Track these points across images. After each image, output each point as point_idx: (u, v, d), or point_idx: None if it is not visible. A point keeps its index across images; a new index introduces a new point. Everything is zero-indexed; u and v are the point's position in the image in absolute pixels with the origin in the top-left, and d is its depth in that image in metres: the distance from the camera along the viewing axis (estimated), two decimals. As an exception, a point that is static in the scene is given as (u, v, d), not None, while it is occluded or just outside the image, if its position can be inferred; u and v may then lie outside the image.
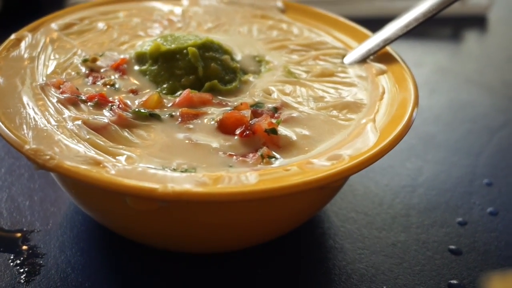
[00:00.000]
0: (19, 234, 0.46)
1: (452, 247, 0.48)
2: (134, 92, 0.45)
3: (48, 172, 0.47)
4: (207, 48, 0.48)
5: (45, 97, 0.43)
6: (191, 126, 0.42)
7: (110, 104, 0.43)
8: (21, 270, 0.43)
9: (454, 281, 0.45)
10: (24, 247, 0.45)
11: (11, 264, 0.44)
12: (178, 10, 0.57)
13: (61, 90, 0.44)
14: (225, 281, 0.44)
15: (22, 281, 0.43)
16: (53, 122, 0.41)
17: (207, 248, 0.45)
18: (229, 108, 0.44)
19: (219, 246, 0.45)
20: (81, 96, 0.44)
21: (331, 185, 0.40)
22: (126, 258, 0.45)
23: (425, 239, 0.48)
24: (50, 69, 0.47)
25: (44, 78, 0.45)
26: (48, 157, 0.37)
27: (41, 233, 0.47)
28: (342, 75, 0.49)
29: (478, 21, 0.86)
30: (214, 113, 0.43)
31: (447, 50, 0.80)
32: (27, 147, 0.38)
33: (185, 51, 0.47)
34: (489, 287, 0.20)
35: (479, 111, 0.66)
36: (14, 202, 0.49)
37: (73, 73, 0.47)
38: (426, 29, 0.79)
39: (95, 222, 0.47)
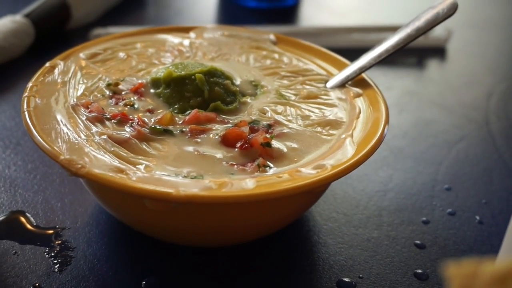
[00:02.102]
0: (52, 231, 0.47)
1: (417, 242, 0.48)
2: (150, 111, 0.46)
3: (77, 178, 0.48)
4: (212, 74, 0.48)
5: (76, 116, 0.44)
6: (198, 140, 0.43)
7: (130, 121, 0.44)
8: (55, 261, 0.44)
9: (419, 270, 0.45)
10: (57, 242, 0.46)
11: (46, 256, 0.44)
12: (186, 42, 0.58)
13: (89, 109, 0.45)
14: (228, 270, 0.44)
15: (56, 270, 0.43)
16: (83, 137, 0.41)
17: (212, 242, 0.46)
18: (230, 125, 0.45)
19: (222, 241, 0.46)
20: (106, 114, 0.45)
21: (316, 190, 0.41)
22: (143, 250, 0.46)
23: (395, 235, 0.49)
24: (80, 92, 0.47)
25: (75, 99, 0.46)
26: (79, 165, 0.38)
27: (71, 230, 0.47)
28: (325, 97, 0.50)
29: (438, 52, 0.86)
30: (218, 129, 0.44)
31: (412, 76, 0.81)
32: (62, 157, 0.38)
33: (193, 77, 0.47)
34: (448, 273, 0.20)
35: (440, 127, 0.67)
36: (48, 204, 0.50)
37: (98, 95, 0.48)
38: (395, 58, 0.80)
39: (117, 220, 0.48)
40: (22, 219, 0.48)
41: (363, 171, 0.56)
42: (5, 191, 0.51)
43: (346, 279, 0.44)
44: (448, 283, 0.21)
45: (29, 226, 0.47)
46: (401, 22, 0.82)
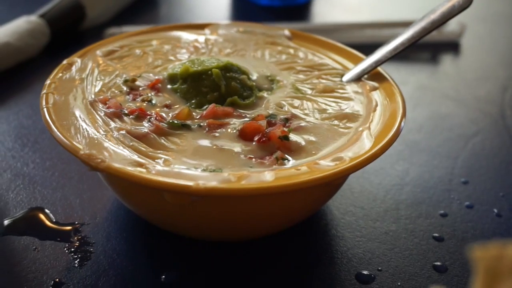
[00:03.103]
0: (71, 227, 0.47)
1: (436, 234, 0.48)
2: (168, 106, 0.46)
3: (95, 175, 0.48)
4: (228, 70, 0.48)
5: (94, 111, 0.44)
6: (216, 134, 0.43)
7: (148, 116, 0.44)
8: (75, 257, 0.44)
9: (438, 263, 0.45)
10: (77, 238, 0.46)
11: (66, 251, 0.45)
12: (201, 38, 0.58)
13: (107, 105, 0.45)
14: (246, 264, 0.44)
15: (76, 265, 0.43)
16: (101, 132, 0.41)
17: (230, 236, 0.46)
18: (247, 119, 0.45)
19: (241, 235, 0.46)
20: (124, 110, 0.45)
21: (334, 182, 0.41)
22: (162, 245, 0.46)
23: (413, 228, 0.49)
24: (97, 88, 0.48)
25: (93, 96, 0.46)
26: (99, 160, 0.38)
27: (90, 226, 0.47)
28: (341, 91, 0.50)
29: (452, 46, 0.86)
30: (235, 123, 0.44)
31: (426, 71, 0.80)
32: (81, 152, 0.38)
33: (210, 72, 0.47)
34: (474, 255, 0.20)
35: (455, 121, 0.66)
36: (67, 200, 0.50)
37: (116, 91, 0.48)
38: (409, 53, 0.80)
39: (135, 215, 0.48)
40: (42, 215, 0.48)
41: (380, 165, 0.56)
42: (24, 188, 0.51)
43: (365, 272, 0.44)
44: (474, 265, 0.20)
45: (48, 222, 0.48)
46: (414, 17, 0.82)
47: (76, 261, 0.44)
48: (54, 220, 0.48)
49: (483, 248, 0.20)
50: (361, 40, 0.81)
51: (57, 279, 0.42)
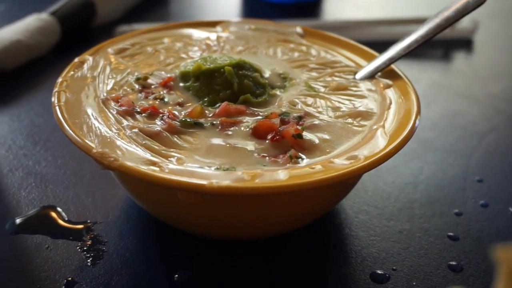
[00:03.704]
0: (84, 226, 0.47)
1: (450, 234, 0.48)
2: (180, 104, 0.46)
3: (107, 173, 0.48)
4: (241, 67, 0.48)
5: (106, 110, 0.44)
6: (229, 132, 0.43)
7: (161, 115, 0.44)
8: (88, 255, 0.44)
9: (453, 262, 0.45)
10: (89, 236, 0.46)
11: (79, 250, 0.44)
12: (213, 36, 0.58)
13: (119, 103, 0.45)
14: (260, 263, 0.44)
15: (89, 264, 0.43)
16: (114, 130, 0.41)
17: (243, 235, 0.45)
18: (260, 117, 0.44)
19: (254, 234, 0.45)
20: (136, 108, 0.44)
21: (349, 181, 0.40)
22: (175, 243, 0.46)
23: (427, 227, 0.48)
24: (109, 86, 0.47)
25: (105, 94, 0.46)
26: (112, 159, 0.38)
27: (102, 225, 0.47)
28: (354, 89, 0.49)
29: (465, 43, 0.86)
30: (248, 122, 0.44)
31: (439, 68, 0.80)
32: (94, 150, 0.38)
33: (222, 70, 0.47)
34: (496, 256, 0.20)
35: (469, 119, 0.66)
36: (79, 198, 0.50)
37: (128, 89, 0.48)
38: (421, 51, 0.79)
39: (148, 214, 0.48)
40: (54, 214, 0.48)
41: (393, 163, 0.56)
42: (36, 186, 0.51)
43: (380, 271, 0.44)
44: (496, 266, 0.20)
45: (60, 221, 0.47)
46: (425, 14, 0.81)
47: (88, 260, 0.44)
48: (66, 219, 0.48)
49: (506, 249, 0.20)
50: (373, 37, 0.80)
51: (70, 278, 0.42)
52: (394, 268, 0.44)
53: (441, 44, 0.84)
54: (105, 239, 0.46)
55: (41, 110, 0.63)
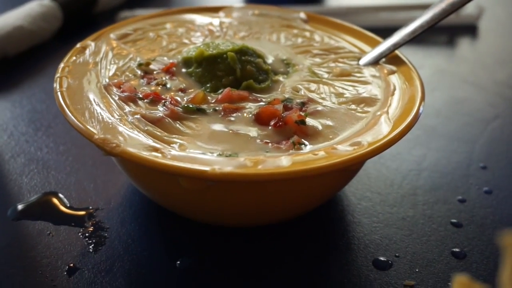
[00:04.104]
0: (86, 212, 0.47)
1: (454, 220, 0.48)
2: (183, 90, 0.46)
3: (109, 159, 0.48)
4: (243, 53, 0.48)
5: (108, 96, 0.44)
6: (232, 118, 0.42)
7: (163, 101, 0.44)
8: (90, 241, 0.44)
9: (456, 249, 0.45)
10: (91, 223, 0.46)
11: (81, 236, 0.44)
12: (216, 21, 0.57)
13: (121, 89, 0.44)
14: (262, 249, 0.44)
15: (91, 250, 0.43)
16: (116, 116, 0.41)
17: (246, 222, 0.45)
18: (263, 103, 0.44)
19: (257, 220, 0.45)
20: (138, 94, 0.44)
21: (352, 167, 0.40)
22: (177, 230, 0.45)
23: (430, 214, 0.48)
24: (111, 72, 0.47)
25: (107, 80, 0.46)
26: (114, 144, 0.37)
27: (104, 211, 0.47)
28: (358, 75, 0.49)
29: (470, 29, 0.85)
30: (251, 108, 0.43)
31: (444, 54, 0.80)
32: (96, 136, 0.38)
33: (225, 55, 0.47)
34: (503, 242, 0.20)
35: (473, 106, 0.66)
36: (81, 185, 0.50)
37: (130, 75, 0.47)
38: (425, 37, 0.79)
39: (150, 200, 0.48)
40: (56, 200, 0.48)
41: (397, 150, 0.55)
42: (38, 172, 0.51)
43: (382, 258, 0.44)
44: (502, 252, 0.20)
45: (62, 207, 0.47)
46: (429, 0, 0.81)
47: (90, 246, 0.44)
48: (68, 205, 0.48)
49: (512, 235, 0.20)
50: (376, 23, 0.80)
51: (72, 264, 0.42)
52: (397, 255, 0.44)
53: (446, 30, 0.83)
54: (107, 226, 0.46)
55: (43, 96, 0.63)
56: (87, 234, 0.45)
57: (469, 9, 0.85)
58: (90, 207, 0.47)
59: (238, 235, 0.45)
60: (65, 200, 0.48)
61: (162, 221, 0.46)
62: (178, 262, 0.43)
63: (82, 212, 0.47)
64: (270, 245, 0.45)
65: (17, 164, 0.52)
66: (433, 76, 0.72)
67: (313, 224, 0.47)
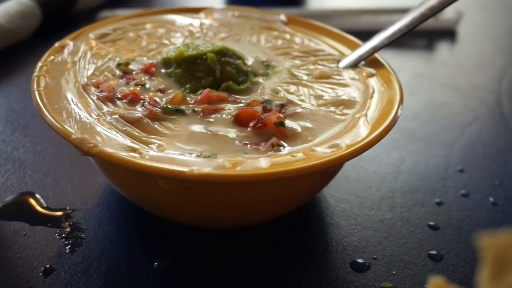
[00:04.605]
0: (63, 213, 0.47)
1: (431, 223, 0.48)
2: (162, 91, 0.46)
3: (87, 160, 0.47)
4: (223, 54, 0.48)
5: (86, 95, 0.43)
6: (211, 119, 0.42)
7: (142, 101, 0.43)
8: (66, 242, 0.44)
9: (433, 252, 0.45)
10: (68, 223, 0.45)
11: (57, 237, 0.44)
12: (196, 22, 0.57)
13: (100, 89, 0.44)
14: (241, 251, 0.44)
15: (67, 251, 0.43)
16: (94, 116, 0.41)
17: (224, 223, 0.45)
18: (242, 104, 0.44)
19: (235, 222, 0.45)
20: (117, 94, 0.44)
21: (331, 169, 0.40)
22: (154, 231, 0.45)
23: (408, 216, 0.49)
24: (90, 71, 0.47)
25: (85, 79, 0.45)
26: (92, 144, 0.37)
27: (81, 212, 0.47)
28: (337, 77, 0.49)
29: (448, 34, 0.86)
30: (230, 109, 0.43)
31: (423, 58, 0.80)
32: (73, 136, 0.38)
33: (204, 56, 0.47)
34: (481, 244, 0.20)
35: (452, 109, 0.66)
36: (58, 185, 0.49)
37: (109, 75, 0.47)
38: (405, 40, 0.79)
39: (128, 201, 0.48)
40: (32, 200, 0.48)
41: (375, 153, 0.56)
42: (15, 172, 0.51)
43: (360, 260, 0.44)
44: (481, 254, 0.20)
45: (39, 208, 0.47)
46: (410, 4, 0.81)
47: (67, 247, 0.43)
48: (45, 205, 0.47)
49: (491, 236, 0.20)
50: (357, 26, 0.80)
51: (48, 265, 0.42)
52: (374, 257, 0.44)
53: (425, 34, 0.84)
54: (84, 226, 0.45)
55: (20, 96, 0.63)
56: (63, 235, 0.44)
57: (448, 14, 0.85)
58: (67, 208, 0.47)
59: (215, 236, 0.45)
60: (41, 200, 0.48)
61: (139, 222, 0.46)
62: (156, 263, 0.42)
63: (59, 213, 0.47)
64: (247, 246, 0.45)
65: (-7, 163, 0.52)
66: (412, 79, 0.72)
67: (291, 226, 0.47)
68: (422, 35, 0.84)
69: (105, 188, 0.49)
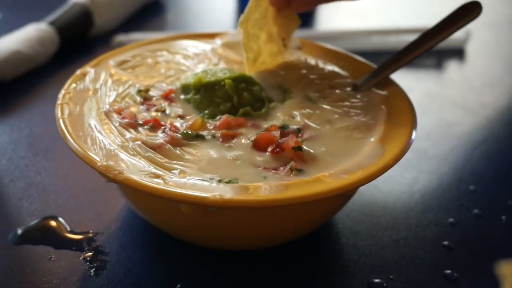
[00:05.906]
0: (86, 236, 0.48)
1: (445, 243, 0.49)
2: (181, 117, 0.47)
3: (107, 184, 0.48)
4: (241, 81, 0.49)
5: (109, 122, 0.44)
6: (231, 144, 0.43)
7: (163, 127, 0.45)
8: (91, 265, 0.45)
9: (448, 271, 0.46)
10: (92, 247, 0.46)
11: (82, 260, 0.45)
12: (212, 47, 0.58)
13: (122, 115, 0.45)
14: (260, 273, 0.45)
15: (92, 274, 0.44)
16: (117, 143, 0.42)
17: (245, 245, 0.46)
18: (260, 130, 0.45)
19: (255, 244, 0.46)
20: (139, 120, 0.45)
21: (347, 193, 0.41)
22: (176, 254, 0.46)
23: (423, 236, 0.49)
24: (111, 98, 0.48)
25: (107, 106, 0.47)
26: (117, 171, 0.38)
27: (104, 235, 0.48)
28: (352, 100, 0.50)
29: (457, 53, 0.87)
30: (248, 134, 0.44)
31: (432, 77, 0.81)
32: (99, 164, 0.39)
33: (222, 83, 0.48)
34: (500, 272, 0.21)
35: (463, 129, 0.67)
36: (81, 209, 0.50)
37: (130, 101, 0.48)
38: (415, 60, 0.80)
39: (149, 224, 0.49)
40: (56, 224, 0.49)
41: (389, 173, 0.55)
42: (38, 197, 0.52)
43: (377, 280, 0.45)
44: (501, 281, 0.21)
45: (63, 232, 0.48)
46: (421, 23, 0.82)
47: (91, 271, 0.44)
48: (68, 229, 0.48)
49: (510, 264, 0.21)
50: (367, 47, 0.81)
51: (74, 288, 0.43)
52: (391, 277, 0.45)
53: (434, 54, 0.85)
54: (107, 250, 0.46)
55: (41, 120, 0.64)
56: (88, 258, 0.45)
57: (456, 33, 0.86)
58: (90, 231, 0.48)
59: (236, 258, 0.46)
60: (65, 224, 0.49)
61: (161, 245, 0.47)
62: (178, 285, 0.43)
63: (82, 237, 0.48)
64: (267, 267, 0.45)
65: (17, 188, 0.53)
66: (422, 99, 0.73)
67: (310, 247, 0.48)
68: (431, 54, 0.85)
69: (126, 212, 0.50)
